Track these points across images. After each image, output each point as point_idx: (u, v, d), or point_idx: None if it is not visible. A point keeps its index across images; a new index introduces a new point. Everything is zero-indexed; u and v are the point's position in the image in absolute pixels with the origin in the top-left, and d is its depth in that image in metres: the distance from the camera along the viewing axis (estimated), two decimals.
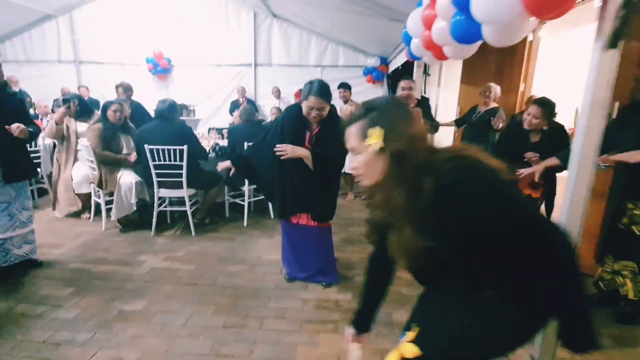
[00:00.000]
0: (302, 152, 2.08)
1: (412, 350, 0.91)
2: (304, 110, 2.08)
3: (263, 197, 3.61)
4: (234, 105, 6.11)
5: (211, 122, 6.61)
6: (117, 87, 4.22)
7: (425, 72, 4.99)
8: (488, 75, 4.71)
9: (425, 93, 5.05)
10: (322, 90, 2.03)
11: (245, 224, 3.58)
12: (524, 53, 4.54)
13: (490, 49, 2.08)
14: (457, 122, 4.22)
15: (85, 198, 3.60)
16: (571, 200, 1.45)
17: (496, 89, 3.76)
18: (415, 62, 4.00)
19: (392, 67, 5.99)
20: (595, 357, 1.38)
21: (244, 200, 3.59)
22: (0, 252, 2.33)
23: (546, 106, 2.50)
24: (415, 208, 0.80)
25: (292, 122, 2.18)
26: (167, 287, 2.39)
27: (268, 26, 6.63)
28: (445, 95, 5.70)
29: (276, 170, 2.23)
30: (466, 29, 1.71)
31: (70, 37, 6.72)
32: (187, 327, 1.97)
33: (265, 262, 2.82)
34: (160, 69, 6.61)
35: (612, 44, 1.28)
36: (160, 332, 1.91)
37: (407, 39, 2.83)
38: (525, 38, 4.54)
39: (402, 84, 3.17)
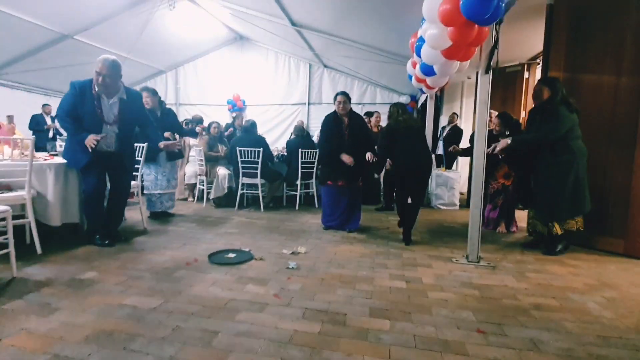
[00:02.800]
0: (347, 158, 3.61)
1: None
2: (335, 105, 3.62)
3: (311, 190, 5.03)
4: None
5: (273, 146, 8.39)
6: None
7: (439, 103, 6.27)
8: (497, 105, 5.84)
9: (439, 121, 6.29)
10: (343, 91, 3.66)
11: (297, 207, 4.98)
12: (522, 88, 5.64)
13: (495, 84, 3.14)
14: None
15: (191, 187, 5.32)
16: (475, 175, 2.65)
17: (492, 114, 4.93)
18: (427, 96, 5.34)
19: (420, 102, 7.35)
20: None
21: (296, 191, 5.02)
22: (157, 201, 3.98)
23: (504, 118, 3.69)
24: None
25: (332, 121, 3.69)
26: (249, 228, 3.81)
27: (320, 74, 8.48)
28: (464, 124, 6.90)
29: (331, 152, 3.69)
30: (425, 68, 3.06)
31: (174, 86, 9.17)
32: (265, 241, 3.32)
33: (309, 222, 4.16)
34: (237, 108, 8.67)
35: (487, 70, 2.55)
36: (250, 243, 3.29)
37: (410, 77, 4.24)
38: (524, 76, 5.69)
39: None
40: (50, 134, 6.84)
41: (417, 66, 3.37)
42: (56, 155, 3.37)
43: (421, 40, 3.19)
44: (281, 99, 8.69)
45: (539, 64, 5.66)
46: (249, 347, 1.57)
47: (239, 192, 4.80)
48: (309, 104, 8.59)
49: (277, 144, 8.05)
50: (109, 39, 6.80)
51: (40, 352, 1.47)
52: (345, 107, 3.63)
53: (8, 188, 2.65)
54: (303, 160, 4.90)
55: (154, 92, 3.95)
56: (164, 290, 2.14)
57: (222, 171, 4.90)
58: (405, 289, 2.29)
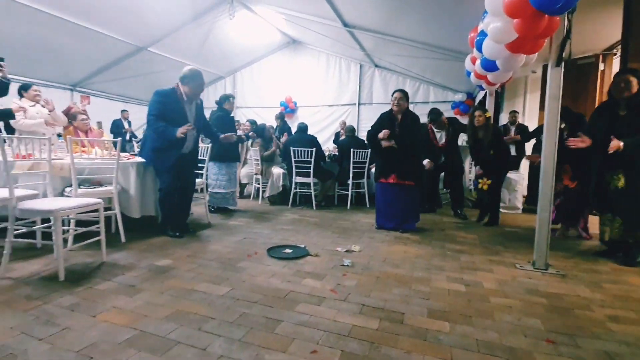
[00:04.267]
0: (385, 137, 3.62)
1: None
2: (392, 101, 3.60)
3: (362, 189, 5.04)
4: (337, 136, 7.87)
5: (324, 146, 8.52)
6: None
7: (500, 101, 5.90)
8: (568, 100, 5.35)
9: (499, 118, 5.91)
10: (401, 89, 3.62)
11: (348, 207, 5.03)
12: (597, 80, 5.11)
13: (566, 78, 2.64)
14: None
15: (244, 186, 5.63)
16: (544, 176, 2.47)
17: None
18: (487, 92, 5.06)
19: (478, 99, 6.98)
20: None
21: (348, 191, 5.07)
22: (223, 198, 4.28)
23: (562, 112, 3.39)
24: None
25: (385, 117, 3.71)
26: (303, 225, 3.94)
27: (371, 74, 8.44)
28: (528, 121, 6.43)
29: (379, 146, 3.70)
30: (487, 63, 2.92)
31: (232, 90, 9.72)
32: (319, 238, 3.41)
33: (361, 221, 4.18)
34: (289, 110, 8.95)
35: (557, 63, 2.37)
36: (305, 239, 3.40)
37: (468, 73, 4.06)
38: (598, 68, 5.15)
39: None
40: (127, 137, 7.64)
41: (477, 62, 3.22)
42: (135, 155, 3.77)
43: (482, 34, 3.06)
44: (332, 100, 8.80)
45: (615, 54, 5.09)
46: (309, 336, 1.65)
47: (293, 190, 4.97)
48: (359, 104, 8.59)
49: (328, 144, 8.16)
50: (177, 49, 7.42)
51: (129, 327, 1.68)
52: (400, 105, 3.60)
53: (99, 183, 3.04)
54: (354, 160, 4.93)
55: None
56: (230, 279, 2.31)
57: (276, 170, 5.11)
58: (465, 293, 2.22)
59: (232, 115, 4.59)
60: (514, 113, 5.92)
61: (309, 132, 5.41)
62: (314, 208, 4.90)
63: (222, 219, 4.12)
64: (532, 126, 5.97)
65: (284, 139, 5.78)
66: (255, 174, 5.35)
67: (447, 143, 4.62)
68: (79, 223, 2.74)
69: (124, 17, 5.98)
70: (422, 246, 3.25)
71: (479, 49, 2.97)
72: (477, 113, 3.98)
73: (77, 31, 5.90)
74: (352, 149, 4.90)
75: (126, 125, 7.98)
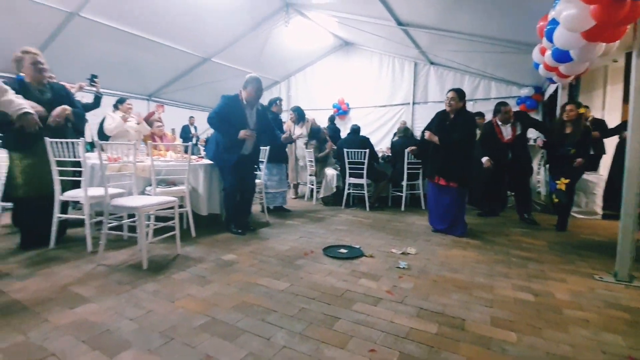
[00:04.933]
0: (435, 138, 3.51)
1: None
2: (445, 100, 3.48)
3: (417, 191, 4.92)
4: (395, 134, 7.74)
5: (377, 147, 8.44)
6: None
7: (575, 94, 5.34)
8: None
9: None
10: (455, 88, 3.50)
11: (402, 208, 4.94)
12: None
13: None
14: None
15: (295, 186, 5.80)
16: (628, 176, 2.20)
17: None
18: (559, 86, 4.63)
19: (548, 94, 6.40)
20: None
21: (402, 192, 4.98)
22: (273, 198, 4.48)
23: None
24: None
25: (439, 115, 3.62)
26: (357, 226, 3.96)
27: (426, 72, 8.17)
28: (609, 115, 5.75)
29: (430, 147, 3.60)
30: (559, 54, 2.68)
31: (286, 94, 10.06)
32: (373, 239, 3.42)
33: (416, 224, 4.08)
34: (342, 111, 9.02)
35: None
36: (360, 240, 3.43)
37: (536, 65, 3.75)
38: None
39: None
40: (194, 141, 8.32)
41: (548, 53, 2.97)
42: (203, 157, 4.11)
43: (554, 22, 2.82)
44: (385, 100, 8.68)
45: None
46: (367, 335, 1.68)
47: (346, 191, 5.01)
48: (413, 103, 8.36)
49: (381, 145, 8.06)
50: (237, 59, 7.90)
51: (202, 314, 1.86)
52: (452, 104, 3.46)
53: (173, 183, 3.38)
54: (409, 160, 4.83)
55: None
56: (289, 275, 2.42)
57: (330, 171, 5.20)
58: (533, 302, 2.08)
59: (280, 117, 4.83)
60: (585, 109, 5.32)
61: (362, 133, 5.42)
62: (367, 209, 4.90)
63: (278, 218, 4.30)
64: (612, 122, 5.31)
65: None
66: (310, 174, 5.50)
67: (513, 138, 4.27)
68: (157, 219, 3.08)
69: (191, 32, 6.54)
70: (483, 251, 3.08)
71: (550, 39, 2.73)
72: (568, 107, 3.75)
73: (152, 47, 6.59)
74: (405, 150, 4.79)
75: (192, 130, 8.70)
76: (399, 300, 2.06)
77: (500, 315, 1.90)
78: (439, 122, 3.60)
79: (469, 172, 3.46)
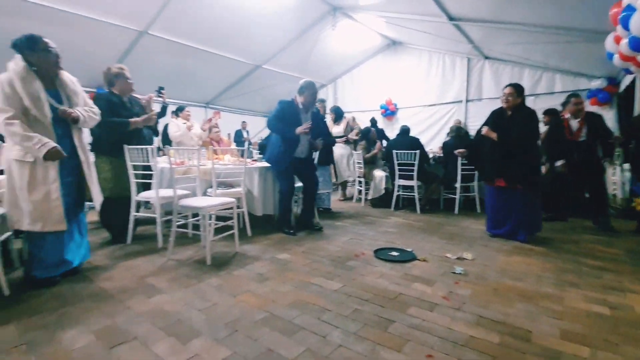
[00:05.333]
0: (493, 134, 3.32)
1: None
2: (502, 96, 3.31)
3: (472, 193, 4.70)
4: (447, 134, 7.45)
5: (427, 148, 8.19)
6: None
7: None
8: None
9: None
10: (512, 83, 3.29)
11: (456, 211, 4.75)
12: None
13: None
14: None
15: (343, 186, 5.81)
16: None
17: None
18: (638, 78, 4.15)
19: (623, 85, 5.74)
20: None
21: (455, 194, 4.78)
22: (319, 199, 4.57)
23: None
24: None
25: (495, 113, 3.44)
26: (407, 229, 3.89)
27: (480, 67, 7.75)
28: None
29: (487, 147, 3.42)
30: (636, 42, 2.41)
31: (333, 96, 10.16)
32: (426, 243, 3.33)
33: (471, 228, 3.90)
34: (389, 112, 8.89)
35: None
36: (411, 243, 3.37)
37: (610, 55, 3.40)
38: None
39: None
40: (246, 144, 8.74)
41: (623, 41, 2.67)
42: (256, 160, 4.32)
43: (630, 9, 2.55)
44: (434, 99, 8.39)
45: None
46: (423, 340, 1.66)
47: (395, 193, 4.94)
48: (467, 101, 7.98)
49: (431, 145, 7.82)
50: (286, 64, 8.16)
51: (261, 309, 1.97)
52: (510, 101, 3.25)
53: (231, 186, 3.60)
54: (463, 161, 4.63)
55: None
56: (341, 276, 2.46)
57: (378, 173, 5.16)
58: (609, 316, 1.90)
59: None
60: None
61: (411, 133, 5.31)
62: (418, 212, 4.78)
63: (327, 219, 4.37)
64: None
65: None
66: (358, 176, 5.51)
67: (581, 134, 3.89)
68: (217, 218, 3.30)
69: (243, 42, 6.90)
70: (550, 259, 2.87)
71: (625, 27, 2.46)
72: None
73: (209, 58, 7.06)
74: (456, 150, 4.60)
75: (245, 134, 9.15)
76: (456, 307, 2.00)
77: (571, 328, 1.77)
78: (494, 120, 3.42)
79: (535, 173, 3.23)
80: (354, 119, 6.18)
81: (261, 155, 4.43)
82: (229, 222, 3.00)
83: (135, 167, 3.03)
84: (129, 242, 3.18)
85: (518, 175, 3.20)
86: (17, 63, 2.10)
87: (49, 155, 2.04)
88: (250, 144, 8.90)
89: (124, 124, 2.98)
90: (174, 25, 5.87)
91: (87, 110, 2.35)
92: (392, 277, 2.45)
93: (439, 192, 5.15)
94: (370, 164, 5.33)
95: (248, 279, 2.41)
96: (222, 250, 3.04)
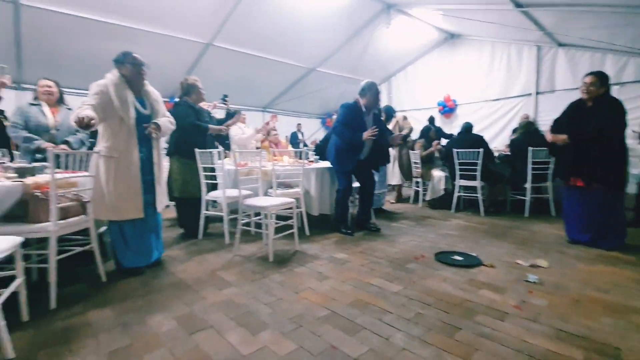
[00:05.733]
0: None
1: None
2: (581, 86, 2.98)
3: (545, 194, 4.31)
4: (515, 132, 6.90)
5: (491, 146, 7.67)
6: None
7: None
8: None
9: None
10: (594, 72, 2.97)
11: (526, 214, 4.39)
12: None
13: None
14: None
15: (398, 187, 5.67)
16: None
17: None
18: None
19: None
20: None
21: (524, 196, 4.42)
22: (376, 200, 4.52)
23: None
24: None
25: (573, 106, 3.11)
26: (470, 232, 3.69)
27: (552, 56, 7.06)
28: None
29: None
30: None
31: (387, 95, 9.98)
32: (492, 247, 3.14)
33: (544, 232, 3.58)
34: (448, 109, 8.49)
35: None
36: (476, 247, 3.19)
37: None
38: None
39: None
40: (301, 146, 8.98)
41: None
42: (312, 161, 4.42)
43: None
44: (498, 93, 7.83)
45: None
46: (494, 351, 1.57)
47: (456, 194, 4.72)
48: (537, 93, 7.31)
49: (495, 142, 7.32)
50: (339, 66, 8.23)
51: (322, 307, 2.02)
52: (591, 91, 2.90)
53: (289, 186, 3.73)
54: (534, 159, 4.26)
55: None
56: (401, 278, 2.43)
57: (437, 173, 4.97)
58: None
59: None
60: None
61: (472, 130, 5.02)
62: (482, 214, 4.50)
63: (384, 220, 4.32)
64: None
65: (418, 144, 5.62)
66: (415, 176, 5.35)
67: None
68: (277, 217, 3.44)
69: (297, 46, 7.10)
70: None
71: None
72: None
73: (265, 64, 7.39)
74: (530, 148, 4.25)
75: (300, 136, 9.41)
76: (531, 318, 1.86)
77: None
78: (571, 113, 3.09)
79: (619, 171, 2.86)
80: (404, 118, 6.01)
81: (317, 157, 4.52)
82: (288, 222, 3.12)
83: (206, 170, 3.30)
84: (200, 237, 3.46)
85: (598, 174, 2.86)
86: (113, 73, 2.46)
87: (79, 121, 2.07)
88: (306, 145, 9.14)
89: (205, 129, 3.37)
90: (235, 36, 6.25)
91: (166, 121, 2.63)
92: (456, 282, 2.35)
93: (506, 193, 4.79)
94: (427, 163, 5.15)
95: (308, 276, 2.49)
96: (283, 248, 3.17)
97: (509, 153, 4.93)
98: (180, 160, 3.35)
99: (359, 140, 3.45)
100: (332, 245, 3.27)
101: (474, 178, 4.49)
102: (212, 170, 3.37)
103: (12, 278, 1.74)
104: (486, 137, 7.95)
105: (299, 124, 9.72)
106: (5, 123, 3.23)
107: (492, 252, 2.97)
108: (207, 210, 3.48)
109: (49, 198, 2.00)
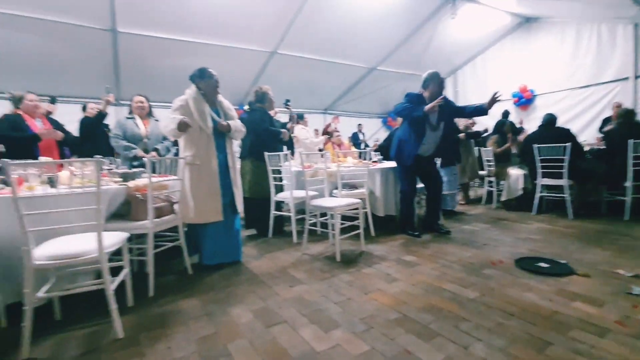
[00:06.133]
0: None
1: None
2: None
3: None
4: (606, 123, 6.03)
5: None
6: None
7: None
8: None
9: None
10: None
11: (626, 217, 3.81)
12: None
13: None
14: None
15: (464, 187, 5.29)
16: None
17: None
18: None
19: None
20: None
21: (624, 196, 3.84)
22: (444, 200, 4.28)
23: None
24: None
25: None
26: (556, 236, 3.31)
27: None
28: None
29: None
30: None
31: (453, 89, 9.44)
32: (584, 254, 2.79)
33: None
34: (524, 100, 7.75)
35: None
36: (564, 254, 2.87)
37: None
38: None
39: None
40: (362, 146, 8.94)
41: None
42: (376, 162, 4.37)
43: None
44: (586, 79, 6.93)
45: None
46: None
47: (537, 194, 4.28)
48: (636, 77, 6.32)
49: (584, 135, 6.52)
50: (401, 62, 8.02)
51: (393, 309, 1.98)
52: None
53: (354, 187, 3.74)
54: (635, 154, 3.68)
55: None
56: (477, 284, 2.28)
57: (514, 171, 4.56)
58: None
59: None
60: None
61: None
62: (570, 216, 4.01)
63: (454, 222, 4.09)
64: None
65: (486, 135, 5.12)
66: (488, 175, 4.98)
67: None
68: (342, 217, 3.47)
69: (357, 46, 7.08)
70: None
71: None
72: None
73: (326, 67, 7.51)
74: (630, 141, 3.68)
75: (361, 137, 9.38)
76: (637, 336, 1.61)
77: None
78: None
79: None
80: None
81: (381, 157, 4.45)
82: (355, 222, 3.13)
83: (274, 172, 3.47)
84: (270, 236, 3.64)
85: None
86: (191, 89, 2.72)
87: (180, 126, 2.48)
88: (367, 145, 9.07)
89: (278, 133, 3.64)
90: (297, 42, 6.47)
91: (237, 123, 2.84)
92: (544, 292, 2.13)
93: (599, 193, 4.21)
94: (502, 161, 4.76)
95: (377, 277, 2.47)
96: (349, 248, 3.18)
97: (602, 147, 4.33)
98: (253, 163, 3.57)
99: (419, 112, 3.21)
100: (399, 246, 3.19)
101: (559, 176, 4.03)
102: (280, 172, 3.53)
103: (119, 269, 2.02)
104: (573, 130, 7.12)
105: (360, 125, 9.69)
106: (110, 135, 3.76)
107: (585, 260, 2.64)
108: (275, 210, 3.65)
109: (147, 199, 2.28)
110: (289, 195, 3.44)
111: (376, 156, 4.52)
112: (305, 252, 3.10)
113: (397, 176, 3.75)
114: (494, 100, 3.32)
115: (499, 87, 8.18)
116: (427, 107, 3.19)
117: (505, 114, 5.84)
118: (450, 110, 3.50)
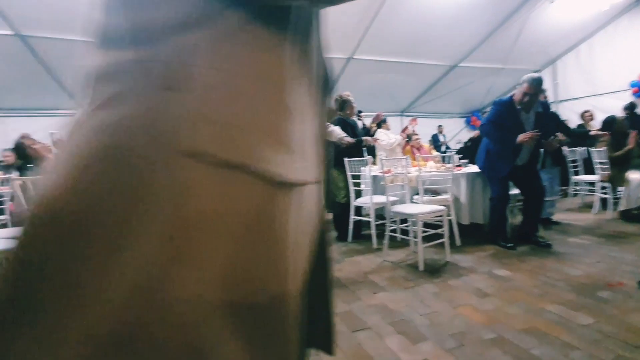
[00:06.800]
0: None
1: None
2: None
3: None
4: None
5: None
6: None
7: None
8: None
9: None
10: None
11: None
12: None
13: None
14: None
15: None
16: None
17: None
18: None
19: None
20: None
21: None
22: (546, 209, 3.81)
23: None
24: None
25: None
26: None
27: None
28: None
29: None
30: None
31: (551, 83, 8.35)
32: None
33: None
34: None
35: None
36: None
37: None
38: None
39: None
40: (443, 149, 8.48)
41: None
42: (460, 166, 4.10)
43: None
44: None
45: None
46: None
47: None
48: None
49: None
50: (487, 57, 7.41)
51: (486, 327, 1.84)
52: None
53: (436, 192, 3.57)
54: None
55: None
56: (590, 308, 1.99)
57: (636, 176, 3.85)
58: None
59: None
60: None
61: None
62: None
63: (555, 234, 3.62)
64: None
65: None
66: (602, 180, 4.29)
67: None
68: (425, 225, 3.34)
69: (436, 44, 6.74)
70: None
71: None
72: None
73: (402, 68, 7.31)
74: None
75: (441, 139, 8.91)
76: None
77: None
78: None
79: None
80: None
81: (465, 160, 4.18)
82: (438, 230, 2.99)
83: (353, 177, 3.52)
84: (349, 240, 3.69)
85: None
86: None
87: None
88: (448, 147, 8.58)
89: (360, 141, 3.72)
90: (373, 46, 6.45)
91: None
92: None
93: None
94: (619, 164, 4.05)
95: (466, 291, 2.32)
96: (432, 257, 3.05)
97: None
98: (339, 170, 3.67)
99: (511, 143, 2.99)
100: (489, 258, 2.95)
101: None
102: (359, 177, 3.56)
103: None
104: None
105: (440, 126, 9.18)
106: None
107: None
108: (355, 215, 3.69)
109: None
110: (369, 201, 3.44)
111: (460, 160, 4.25)
112: (386, 259, 3.06)
113: (485, 181, 3.47)
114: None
115: (611, 76, 7.08)
116: (520, 138, 2.97)
117: (630, 106, 4.94)
118: (548, 119, 3.20)
